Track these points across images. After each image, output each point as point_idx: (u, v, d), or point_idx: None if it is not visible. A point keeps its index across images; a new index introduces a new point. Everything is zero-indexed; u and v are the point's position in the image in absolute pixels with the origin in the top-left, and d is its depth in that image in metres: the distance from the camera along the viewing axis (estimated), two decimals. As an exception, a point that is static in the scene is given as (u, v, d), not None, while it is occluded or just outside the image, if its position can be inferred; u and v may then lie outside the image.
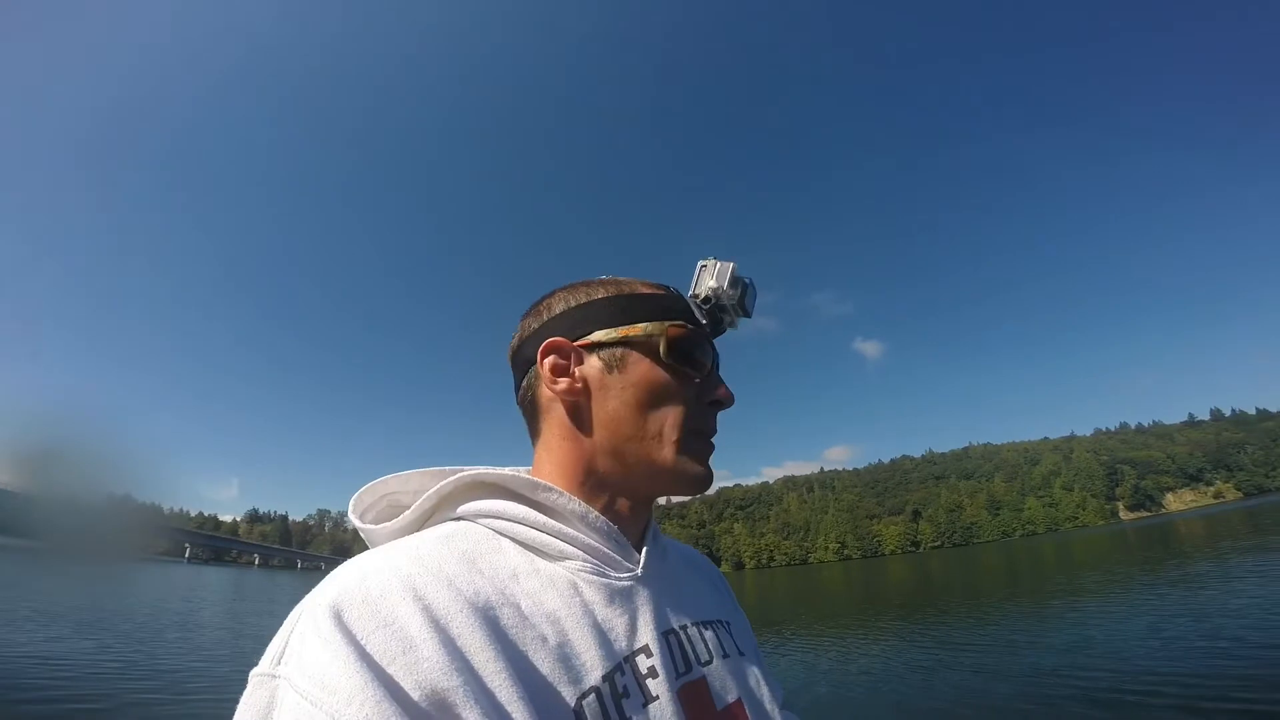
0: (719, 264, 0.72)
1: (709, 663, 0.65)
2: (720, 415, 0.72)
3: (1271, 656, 7.65)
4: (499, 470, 0.65)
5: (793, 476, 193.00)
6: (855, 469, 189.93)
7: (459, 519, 0.63)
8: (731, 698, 0.64)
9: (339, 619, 0.46)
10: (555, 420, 0.68)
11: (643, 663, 0.58)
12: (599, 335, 0.67)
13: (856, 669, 10.37)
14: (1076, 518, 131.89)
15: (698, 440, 0.67)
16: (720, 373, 0.73)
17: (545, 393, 0.68)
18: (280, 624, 0.49)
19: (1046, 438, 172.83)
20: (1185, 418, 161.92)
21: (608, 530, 0.63)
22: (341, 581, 0.50)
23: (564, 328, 0.68)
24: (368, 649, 0.45)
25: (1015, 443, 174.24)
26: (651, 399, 0.66)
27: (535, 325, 0.70)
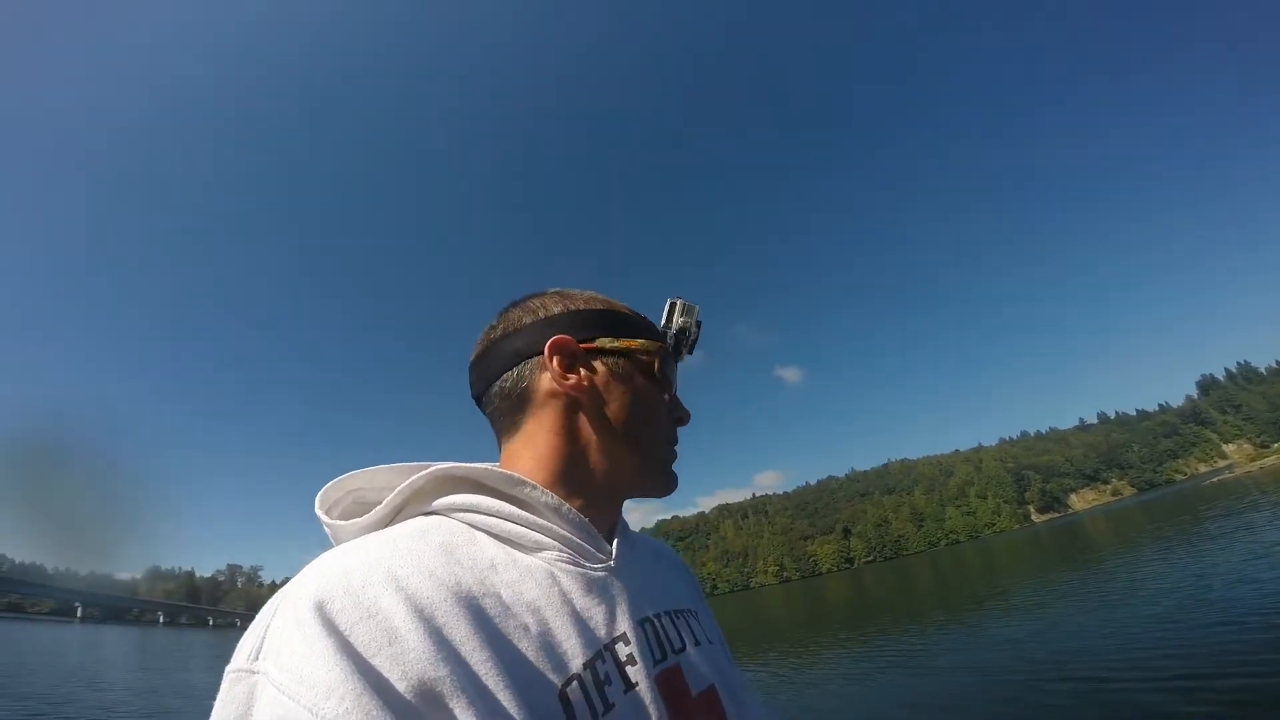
0: (686, 304, 0.78)
1: (682, 650, 0.66)
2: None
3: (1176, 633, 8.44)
4: (471, 465, 0.65)
5: (727, 504, 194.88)
6: (785, 492, 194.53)
7: (431, 513, 0.63)
8: (706, 684, 0.66)
9: (321, 611, 0.45)
10: (549, 414, 0.68)
11: (621, 650, 0.59)
12: (604, 342, 0.70)
13: (820, 690, 10.45)
14: (994, 524, 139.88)
15: (670, 449, 0.74)
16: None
17: (547, 386, 0.68)
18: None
19: (957, 450, 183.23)
20: (1076, 422, 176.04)
21: (581, 523, 0.64)
22: (321, 573, 0.49)
23: (568, 328, 0.69)
24: (352, 641, 0.44)
25: (930, 456, 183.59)
26: (645, 408, 0.70)
27: (529, 320, 0.70)
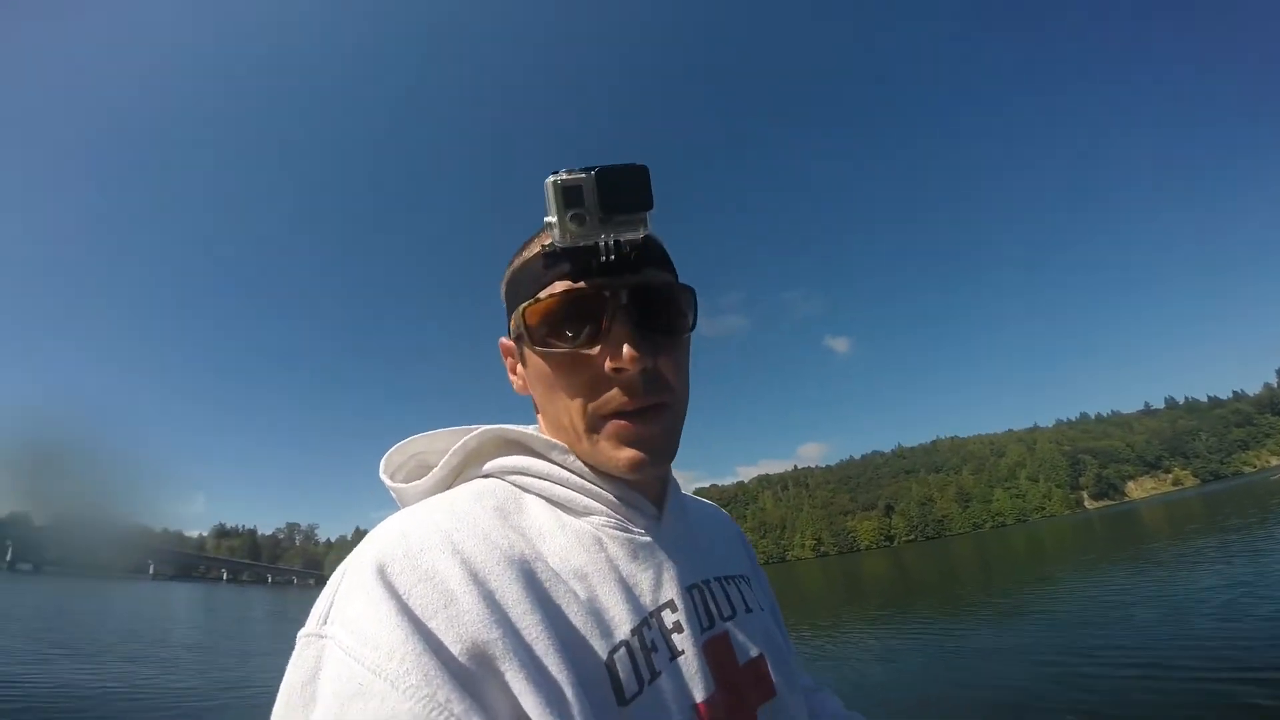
0: (549, 184, 0.53)
1: (731, 618, 0.65)
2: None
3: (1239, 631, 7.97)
4: (520, 428, 0.64)
5: (767, 475, 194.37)
6: (828, 466, 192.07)
7: (486, 476, 0.64)
8: (754, 652, 0.64)
9: (381, 575, 0.47)
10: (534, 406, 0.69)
11: (668, 617, 0.58)
12: (516, 321, 0.63)
13: (861, 664, 10.43)
14: (1043, 508, 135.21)
15: (606, 422, 0.59)
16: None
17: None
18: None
19: (1011, 429, 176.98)
20: (1142, 406, 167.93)
21: (625, 486, 0.63)
22: (382, 538, 0.51)
23: (509, 316, 0.65)
24: (409, 603, 0.46)
25: (981, 435, 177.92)
26: (550, 392, 0.62)
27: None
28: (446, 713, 0.41)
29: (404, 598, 0.46)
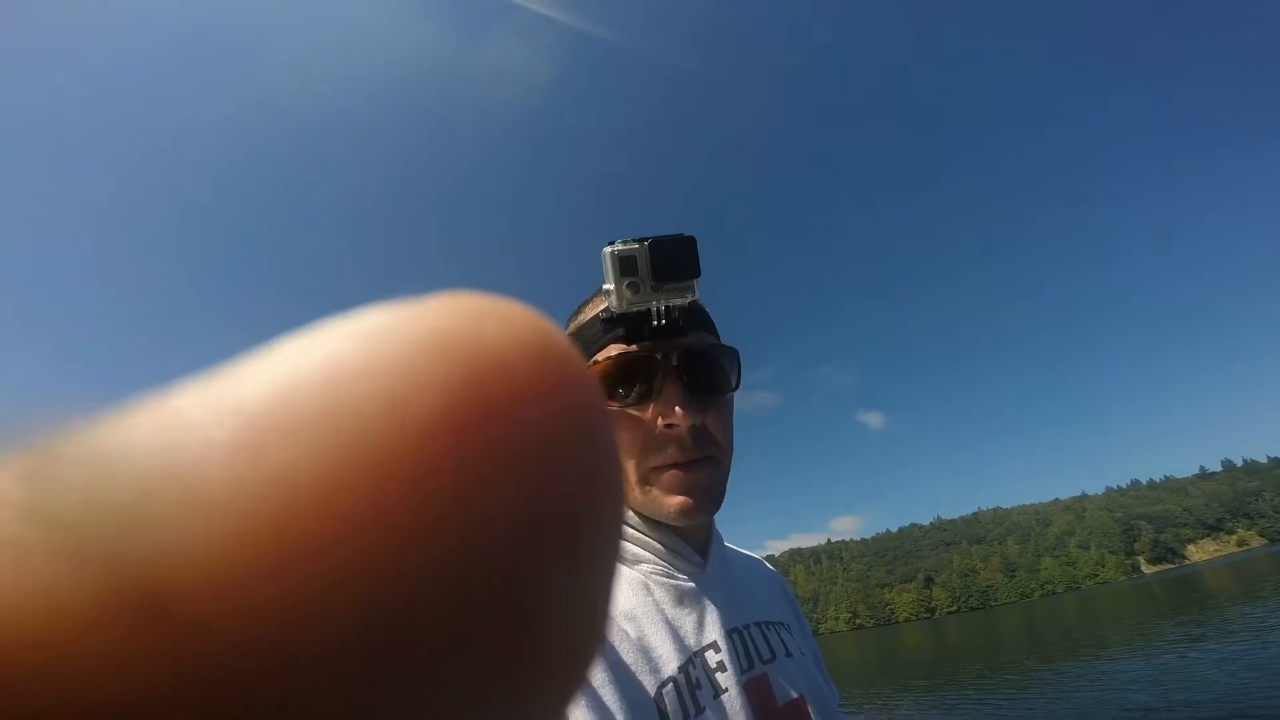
0: (606, 254, 0.58)
1: (771, 660, 0.67)
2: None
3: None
4: None
5: (799, 549, 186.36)
6: (863, 539, 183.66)
7: None
8: (794, 694, 0.66)
9: None
10: None
11: (711, 657, 0.61)
12: None
13: None
14: (1097, 574, 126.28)
15: (659, 474, 0.65)
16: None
17: None
18: None
19: (1057, 499, 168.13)
20: (1197, 470, 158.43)
21: (673, 536, 0.67)
22: None
23: None
24: None
25: (1025, 505, 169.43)
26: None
27: None
28: None
29: None
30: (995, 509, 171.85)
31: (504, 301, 0.09)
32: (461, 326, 0.08)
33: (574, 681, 0.09)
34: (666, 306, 0.59)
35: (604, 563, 0.09)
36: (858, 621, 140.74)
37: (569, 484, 0.08)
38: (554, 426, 0.08)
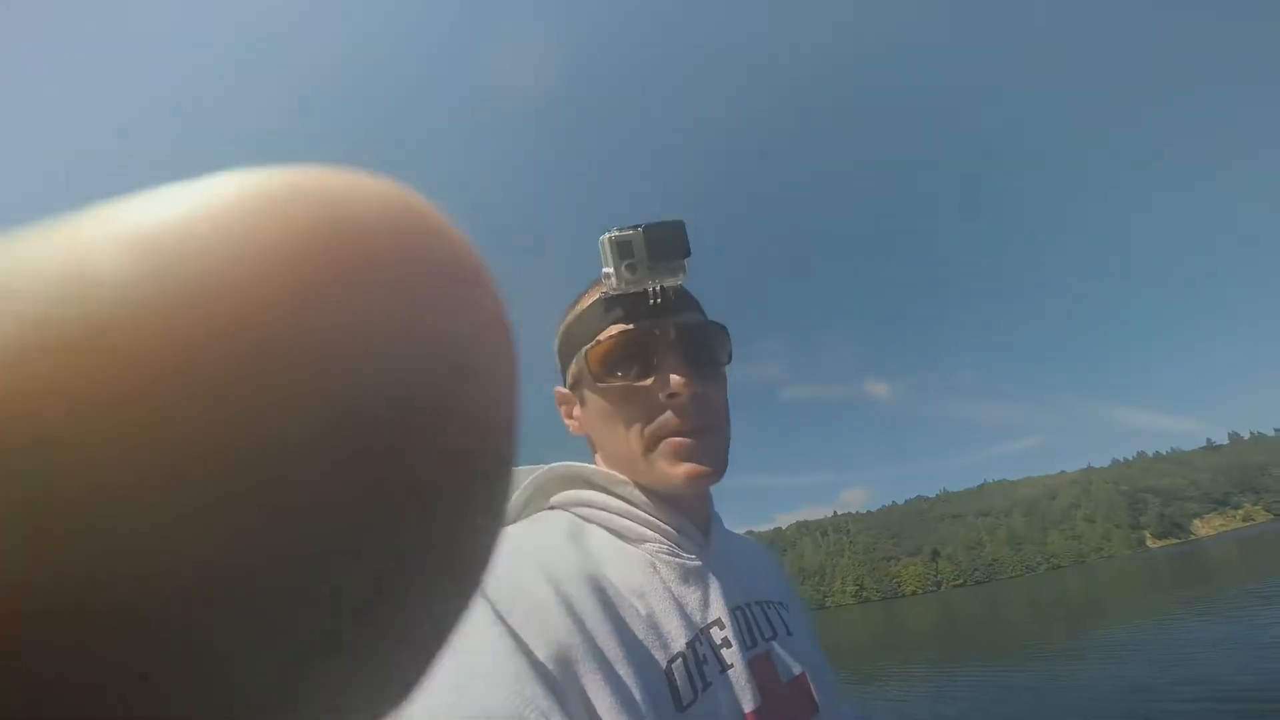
0: (605, 240, 0.64)
1: (773, 638, 0.70)
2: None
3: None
4: (582, 465, 0.73)
5: (806, 521, 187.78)
6: (870, 511, 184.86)
7: (552, 508, 0.73)
8: (796, 670, 0.69)
9: (482, 590, 0.50)
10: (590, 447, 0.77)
11: (716, 634, 0.64)
12: (574, 370, 0.72)
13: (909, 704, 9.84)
14: (1102, 549, 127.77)
15: (662, 443, 0.68)
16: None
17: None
18: None
19: (1064, 471, 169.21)
20: (1203, 443, 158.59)
21: (677, 518, 0.70)
22: None
23: (561, 370, 0.76)
24: (504, 613, 0.52)
25: (1031, 478, 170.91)
26: (612, 424, 0.69)
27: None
28: (533, 707, 0.46)
29: (499, 608, 0.52)
30: (1001, 481, 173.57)
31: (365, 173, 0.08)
32: (326, 182, 0.08)
33: (465, 550, 0.09)
34: (662, 286, 0.65)
35: (493, 383, 0.09)
36: (864, 594, 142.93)
37: (451, 331, 0.08)
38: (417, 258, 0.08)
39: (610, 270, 0.64)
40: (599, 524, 0.69)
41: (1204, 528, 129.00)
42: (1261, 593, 15.97)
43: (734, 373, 0.74)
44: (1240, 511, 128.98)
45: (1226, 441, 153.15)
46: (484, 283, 0.09)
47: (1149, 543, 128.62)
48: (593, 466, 0.72)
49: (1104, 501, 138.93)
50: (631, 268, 0.64)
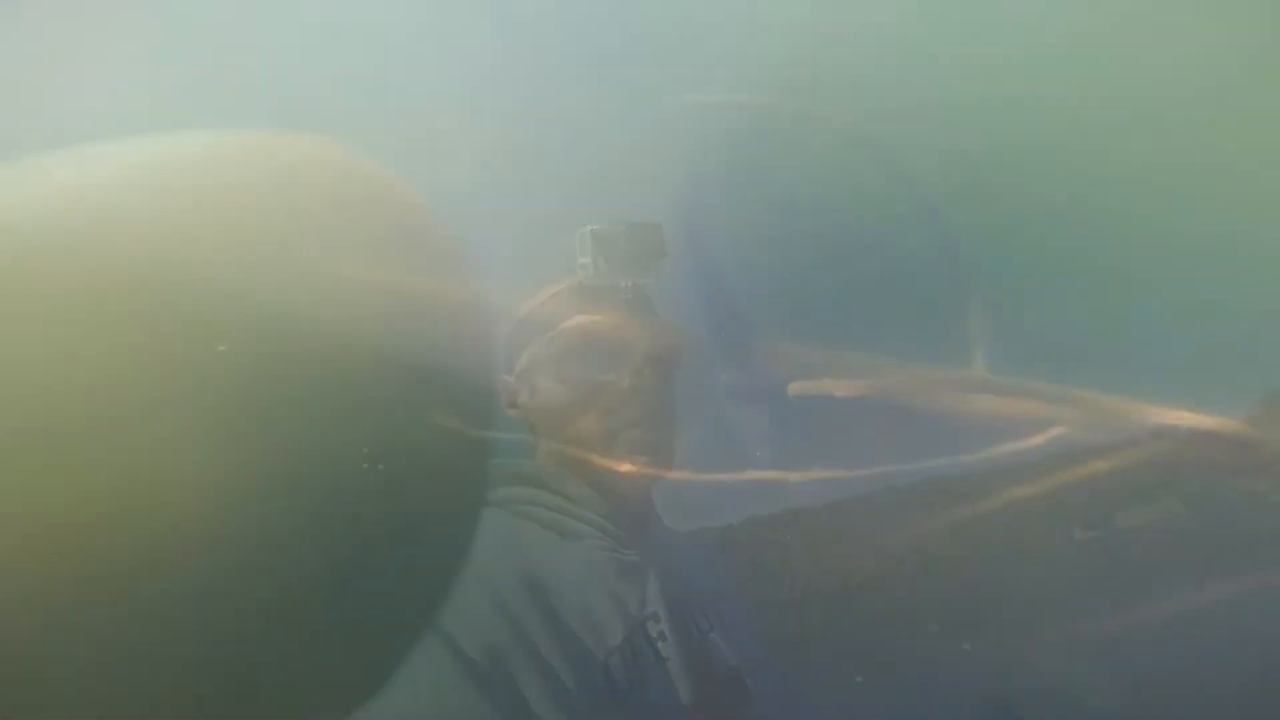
0: (586, 232, 0.67)
1: (709, 631, 0.71)
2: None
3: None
4: (520, 459, 0.72)
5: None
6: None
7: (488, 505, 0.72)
8: (730, 665, 0.71)
9: None
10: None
11: (652, 628, 0.65)
12: (518, 365, 0.72)
13: None
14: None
15: (624, 433, 0.69)
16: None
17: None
18: None
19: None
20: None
21: (615, 513, 0.69)
22: None
23: (509, 356, 0.76)
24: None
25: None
26: (563, 415, 0.70)
27: None
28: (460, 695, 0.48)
29: None
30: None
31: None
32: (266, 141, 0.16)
33: None
34: (634, 282, 0.68)
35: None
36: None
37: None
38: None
39: (588, 261, 0.66)
40: (535, 520, 0.68)
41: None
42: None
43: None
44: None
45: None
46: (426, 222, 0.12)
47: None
48: (531, 460, 0.72)
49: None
50: (608, 262, 0.66)
